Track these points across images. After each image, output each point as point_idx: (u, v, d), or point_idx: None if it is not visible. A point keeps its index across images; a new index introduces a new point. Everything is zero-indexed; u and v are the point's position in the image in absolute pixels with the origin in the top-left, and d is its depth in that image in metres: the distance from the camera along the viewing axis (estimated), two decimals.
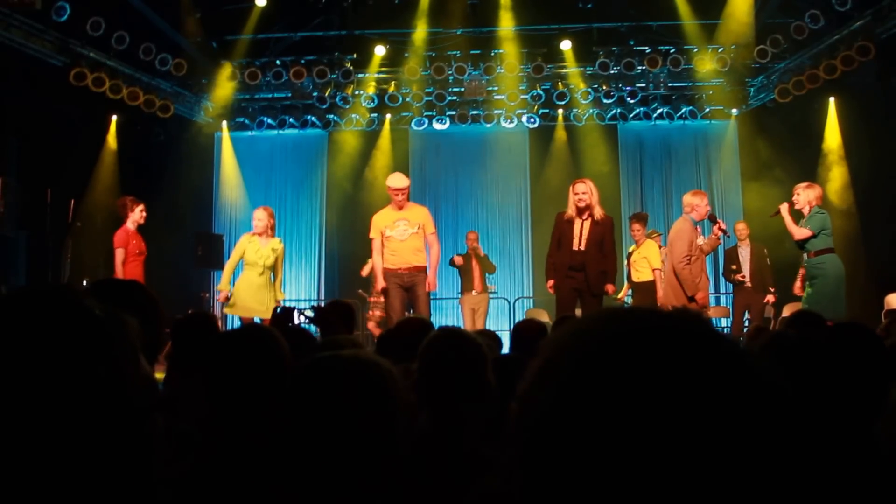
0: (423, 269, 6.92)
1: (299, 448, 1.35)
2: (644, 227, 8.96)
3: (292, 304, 11.52)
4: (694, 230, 6.73)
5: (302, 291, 12.57)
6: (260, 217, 7.40)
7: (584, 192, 6.61)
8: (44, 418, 0.75)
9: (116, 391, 0.81)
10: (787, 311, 9.10)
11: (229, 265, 7.54)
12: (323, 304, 5.67)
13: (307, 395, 1.37)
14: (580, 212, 6.62)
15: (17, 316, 0.78)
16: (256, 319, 7.10)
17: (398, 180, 7.09)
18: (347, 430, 1.33)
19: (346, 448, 1.33)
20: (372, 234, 7.09)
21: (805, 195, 6.77)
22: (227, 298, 7.32)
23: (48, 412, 0.75)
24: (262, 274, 7.28)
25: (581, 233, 6.57)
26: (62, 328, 0.78)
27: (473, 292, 9.82)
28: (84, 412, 0.76)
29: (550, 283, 6.71)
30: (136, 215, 7.58)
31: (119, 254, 7.41)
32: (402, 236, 6.88)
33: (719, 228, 6.87)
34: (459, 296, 10.15)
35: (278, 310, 1.87)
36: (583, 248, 6.50)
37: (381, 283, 6.97)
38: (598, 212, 6.63)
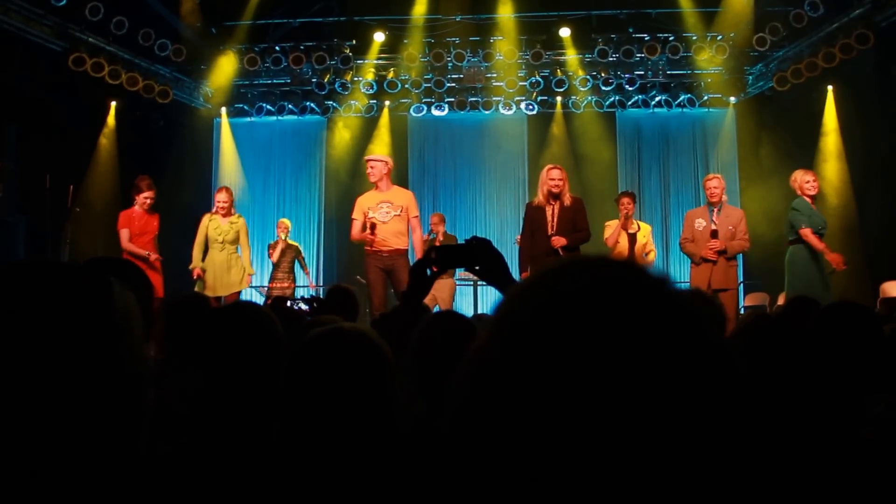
0: (403, 253, 7.02)
1: (302, 419, 1.39)
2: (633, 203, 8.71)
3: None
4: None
5: (301, 277, 12.59)
6: (224, 199, 7.87)
7: (560, 178, 6.72)
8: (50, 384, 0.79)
9: (117, 360, 0.84)
10: (781, 300, 9.12)
11: (197, 245, 7.89)
12: (320, 294, 5.77)
13: (312, 365, 1.41)
14: (552, 197, 6.69)
15: (30, 282, 0.83)
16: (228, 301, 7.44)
17: (374, 155, 7.52)
18: (350, 397, 1.37)
19: (348, 416, 1.37)
20: (354, 215, 7.21)
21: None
22: (200, 276, 7.74)
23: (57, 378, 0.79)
24: (223, 250, 7.72)
25: (553, 218, 6.66)
26: (75, 295, 0.83)
27: None
28: (87, 379, 0.81)
29: (525, 274, 6.73)
30: (140, 199, 7.70)
31: (123, 234, 7.61)
32: (384, 218, 6.96)
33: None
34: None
35: (433, 254, 1.80)
36: (556, 230, 6.60)
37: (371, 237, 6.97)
38: (568, 197, 6.76)
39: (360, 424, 1.38)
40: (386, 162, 7.21)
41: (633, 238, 8.42)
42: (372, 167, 7.10)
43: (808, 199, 7.09)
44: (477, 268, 1.74)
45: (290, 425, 1.44)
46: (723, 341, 0.61)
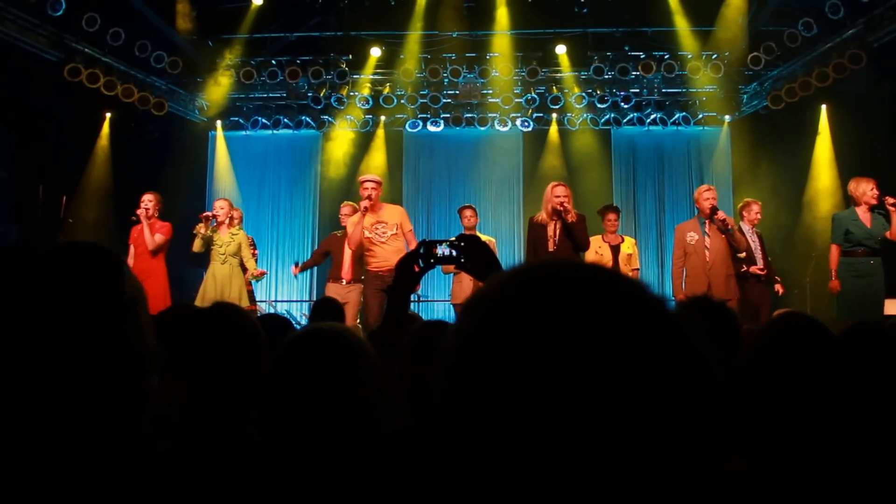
0: None
1: (283, 416, 1.37)
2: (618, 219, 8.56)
3: (294, 298, 11.46)
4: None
5: (294, 291, 12.57)
6: (221, 206, 7.80)
7: (564, 195, 6.77)
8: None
9: (125, 336, 0.87)
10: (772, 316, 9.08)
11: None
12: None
13: (291, 364, 1.39)
14: (554, 214, 6.73)
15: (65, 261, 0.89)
16: None
17: (369, 176, 7.40)
18: (328, 393, 1.35)
19: (327, 412, 1.35)
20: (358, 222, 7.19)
21: None
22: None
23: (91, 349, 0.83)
24: (224, 262, 7.66)
25: (555, 233, 6.72)
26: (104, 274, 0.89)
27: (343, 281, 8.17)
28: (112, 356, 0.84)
29: None
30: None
31: (130, 250, 7.73)
32: (382, 238, 7.04)
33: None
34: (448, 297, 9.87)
35: (421, 249, 1.72)
36: (557, 247, 6.62)
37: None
38: (573, 214, 6.78)
39: (339, 420, 1.36)
40: (380, 182, 7.27)
41: (616, 249, 8.29)
42: (374, 189, 7.09)
43: (864, 209, 6.98)
44: (463, 261, 1.73)
45: (271, 423, 1.43)
46: (699, 346, 0.60)
